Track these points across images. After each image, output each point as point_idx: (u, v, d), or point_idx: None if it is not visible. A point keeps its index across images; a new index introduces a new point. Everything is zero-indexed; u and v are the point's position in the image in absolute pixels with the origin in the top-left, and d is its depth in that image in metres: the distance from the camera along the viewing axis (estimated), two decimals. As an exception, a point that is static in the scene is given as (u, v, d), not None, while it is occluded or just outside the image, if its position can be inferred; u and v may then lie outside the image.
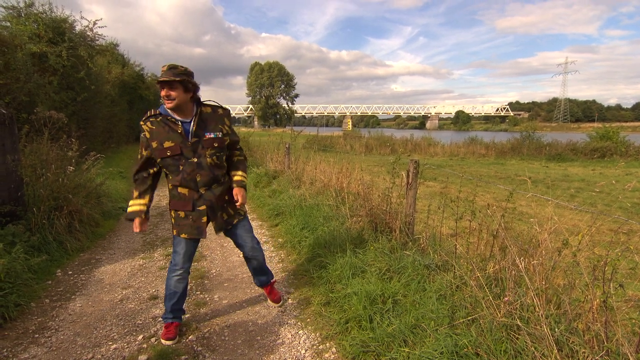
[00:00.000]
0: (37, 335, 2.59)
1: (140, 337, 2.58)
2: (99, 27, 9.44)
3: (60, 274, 3.62)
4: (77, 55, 8.47)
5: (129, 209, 2.44)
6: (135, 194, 2.44)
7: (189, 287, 3.33)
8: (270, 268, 3.77)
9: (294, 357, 2.40)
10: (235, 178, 2.56)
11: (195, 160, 2.33)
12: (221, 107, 2.50)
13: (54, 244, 3.96)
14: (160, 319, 2.75)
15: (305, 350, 2.45)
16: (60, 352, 2.41)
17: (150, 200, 2.50)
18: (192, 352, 2.43)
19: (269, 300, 3.05)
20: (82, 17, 9.23)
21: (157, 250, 4.35)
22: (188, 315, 2.88)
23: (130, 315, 2.88)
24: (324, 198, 5.18)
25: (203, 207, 2.41)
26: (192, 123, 2.32)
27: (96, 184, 5.40)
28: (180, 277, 2.55)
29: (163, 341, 2.50)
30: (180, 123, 2.30)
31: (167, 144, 2.28)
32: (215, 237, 4.69)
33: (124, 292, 3.26)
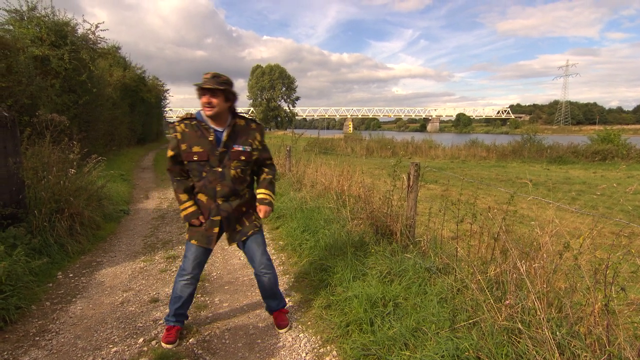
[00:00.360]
0: (37, 338, 2.58)
1: (141, 340, 2.57)
2: (101, 30, 9.51)
3: (61, 276, 3.62)
4: (79, 58, 8.51)
5: (185, 213, 2.42)
6: (184, 197, 2.42)
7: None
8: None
9: (295, 360, 2.39)
10: (259, 196, 2.50)
11: (220, 170, 2.34)
12: (255, 121, 2.49)
13: (55, 247, 3.96)
14: (162, 320, 2.74)
15: (306, 354, 2.44)
16: (60, 355, 2.41)
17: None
18: (192, 355, 2.43)
19: (274, 324, 2.79)
20: (84, 21, 9.30)
21: (158, 252, 4.35)
22: (188, 318, 2.87)
23: (130, 318, 2.87)
24: (324, 201, 5.18)
25: (217, 218, 2.40)
26: (224, 133, 2.33)
27: (97, 187, 5.41)
28: (187, 283, 2.53)
29: (163, 344, 2.49)
30: (212, 131, 2.32)
31: (195, 149, 2.30)
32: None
33: (124, 295, 3.26)
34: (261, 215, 2.47)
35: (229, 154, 2.34)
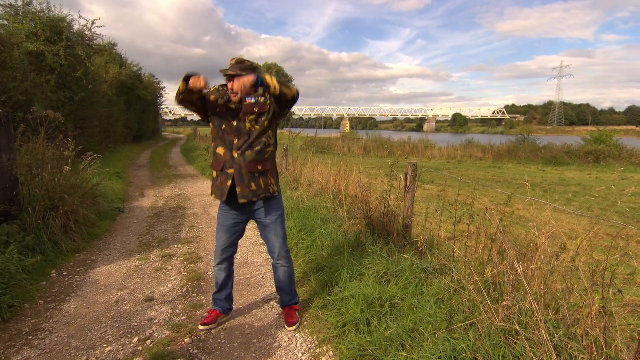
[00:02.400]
0: (30, 338, 2.55)
1: (136, 339, 2.55)
2: (98, 26, 9.44)
3: (55, 275, 3.58)
4: (75, 54, 8.45)
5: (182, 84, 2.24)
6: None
7: (185, 289, 3.32)
8: (268, 270, 3.77)
9: (291, 360, 2.38)
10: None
11: (235, 123, 2.40)
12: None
13: (49, 245, 3.92)
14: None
15: (302, 354, 2.43)
16: (54, 354, 2.38)
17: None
18: (188, 355, 2.41)
19: (283, 321, 2.79)
20: (80, 17, 9.23)
21: (153, 251, 4.31)
22: (183, 317, 2.85)
23: (125, 317, 2.85)
24: (321, 200, 5.17)
25: (231, 171, 2.42)
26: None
27: (92, 185, 5.36)
28: (219, 269, 2.69)
29: (200, 326, 2.68)
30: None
31: (220, 102, 2.41)
32: (212, 239, 4.67)
33: (119, 294, 3.23)
34: (236, 85, 2.27)
35: (243, 108, 2.39)
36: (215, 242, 2.68)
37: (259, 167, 2.44)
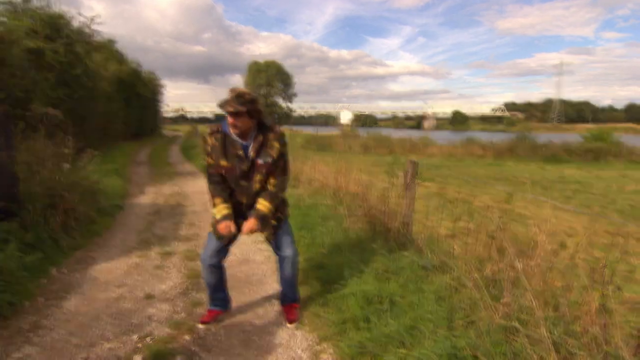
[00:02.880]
0: (30, 335, 2.55)
1: (136, 336, 2.55)
2: (97, 23, 9.41)
3: (54, 272, 3.58)
4: (74, 51, 8.42)
5: (219, 215, 2.41)
6: (218, 201, 2.43)
7: (184, 287, 3.33)
8: (268, 267, 3.78)
9: (291, 357, 2.38)
10: (257, 205, 2.43)
11: (245, 184, 2.41)
12: (274, 129, 2.42)
13: (48, 242, 3.91)
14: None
15: (302, 351, 2.43)
16: (54, 351, 2.38)
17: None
18: (187, 352, 2.41)
19: (283, 319, 2.83)
20: (79, 14, 9.20)
21: (153, 248, 4.31)
22: (183, 314, 2.86)
23: (125, 314, 2.85)
24: (321, 198, 5.17)
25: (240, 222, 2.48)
26: (250, 148, 2.35)
27: (92, 182, 5.35)
28: (208, 271, 2.64)
29: (198, 324, 2.70)
30: (240, 145, 2.35)
31: (222, 163, 2.36)
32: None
33: (119, 291, 3.23)
34: (245, 230, 2.43)
35: (255, 168, 2.39)
36: (206, 246, 2.63)
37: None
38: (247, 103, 2.20)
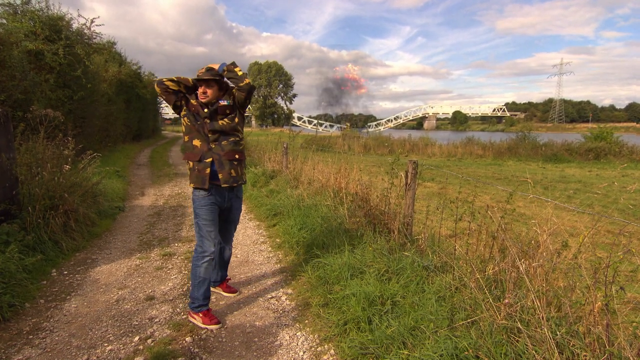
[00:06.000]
0: (31, 337, 2.55)
1: (137, 338, 2.55)
2: (97, 25, 9.40)
3: (55, 274, 3.58)
4: (74, 53, 8.41)
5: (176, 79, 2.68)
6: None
7: (185, 288, 3.32)
8: (268, 268, 3.78)
9: (292, 359, 2.37)
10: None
11: (208, 121, 2.67)
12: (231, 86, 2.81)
13: (49, 244, 3.91)
14: (189, 309, 2.80)
15: (304, 352, 2.43)
16: (54, 353, 2.38)
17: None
18: (189, 353, 2.40)
19: (224, 293, 3.23)
20: (79, 15, 9.20)
21: (153, 250, 4.31)
22: (184, 316, 2.85)
23: (126, 316, 2.84)
24: (322, 198, 5.16)
25: (209, 160, 2.66)
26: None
27: (92, 183, 5.35)
28: (208, 263, 2.74)
29: (212, 327, 2.69)
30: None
31: (193, 102, 2.71)
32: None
33: (120, 293, 3.22)
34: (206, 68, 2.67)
35: (217, 109, 2.68)
36: (201, 238, 2.73)
37: (236, 156, 2.75)
38: (217, 74, 2.63)
